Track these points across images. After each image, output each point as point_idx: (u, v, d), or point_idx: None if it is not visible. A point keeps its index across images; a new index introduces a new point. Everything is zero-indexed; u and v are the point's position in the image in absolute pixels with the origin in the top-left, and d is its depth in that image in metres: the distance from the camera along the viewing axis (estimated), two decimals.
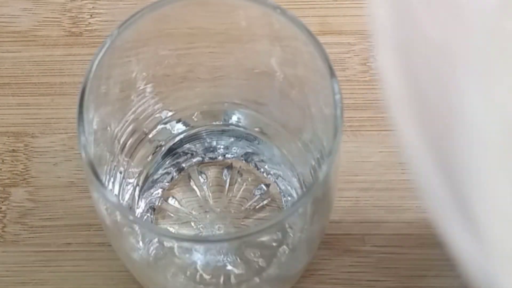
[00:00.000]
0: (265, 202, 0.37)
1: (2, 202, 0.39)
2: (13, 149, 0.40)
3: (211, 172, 0.38)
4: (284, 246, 0.35)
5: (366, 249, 0.37)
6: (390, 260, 0.37)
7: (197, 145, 0.38)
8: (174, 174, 0.38)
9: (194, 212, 0.37)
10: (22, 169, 0.39)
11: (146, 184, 0.37)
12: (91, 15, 0.42)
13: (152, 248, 0.34)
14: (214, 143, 0.38)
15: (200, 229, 0.36)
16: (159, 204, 0.37)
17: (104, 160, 0.34)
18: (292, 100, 0.35)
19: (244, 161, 0.38)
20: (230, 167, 0.38)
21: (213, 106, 0.37)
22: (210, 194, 0.37)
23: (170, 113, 0.37)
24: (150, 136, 0.37)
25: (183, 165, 0.38)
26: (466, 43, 0.21)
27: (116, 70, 0.32)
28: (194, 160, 0.38)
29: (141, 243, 0.33)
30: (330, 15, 0.42)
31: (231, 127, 0.38)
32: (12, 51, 0.42)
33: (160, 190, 0.37)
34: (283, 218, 0.30)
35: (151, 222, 0.36)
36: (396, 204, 0.38)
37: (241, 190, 0.37)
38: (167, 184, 0.38)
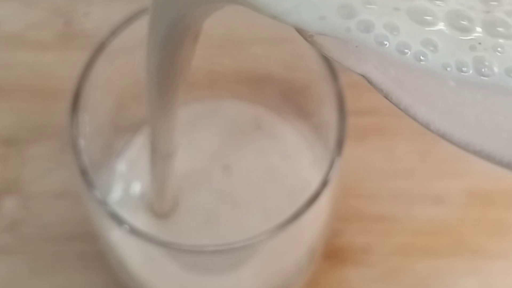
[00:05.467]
0: None
1: None
2: (4, 156, 0.39)
3: None
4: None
5: (370, 259, 0.37)
6: (395, 270, 0.37)
7: None
8: None
9: None
10: (14, 176, 0.39)
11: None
12: (85, 17, 0.42)
13: (149, 258, 0.33)
14: None
15: None
16: None
17: (99, 167, 0.33)
18: (295, 105, 0.34)
19: None
20: None
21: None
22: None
23: None
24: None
25: None
26: None
27: (111, 74, 0.32)
28: None
29: (137, 252, 0.32)
30: None
31: None
32: (2, 54, 0.41)
33: None
34: (275, 231, 0.29)
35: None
36: (401, 212, 0.38)
37: None
38: None
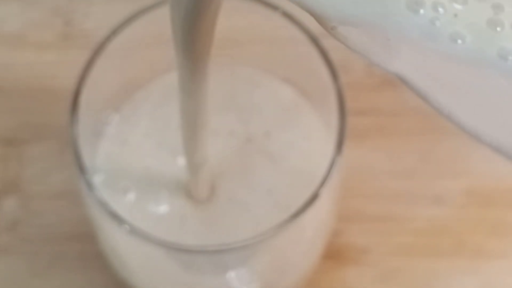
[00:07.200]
0: None
1: None
2: (4, 156, 0.39)
3: None
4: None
5: (370, 259, 0.37)
6: (395, 270, 0.37)
7: None
8: None
9: None
10: (14, 176, 0.39)
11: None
12: (85, 17, 0.42)
13: (149, 258, 0.33)
14: None
15: None
16: None
17: (99, 167, 0.33)
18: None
19: None
20: None
21: None
22: None
23: None
24: None
25: None
26: None
27: (111, 74, 0.32)
28: None
29: (137, 252, 0.32)
30: None
31: None
32: (2, 54, 0.41)
33: None
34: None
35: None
36: (401, 212, 0.38)
37: None
38: None
